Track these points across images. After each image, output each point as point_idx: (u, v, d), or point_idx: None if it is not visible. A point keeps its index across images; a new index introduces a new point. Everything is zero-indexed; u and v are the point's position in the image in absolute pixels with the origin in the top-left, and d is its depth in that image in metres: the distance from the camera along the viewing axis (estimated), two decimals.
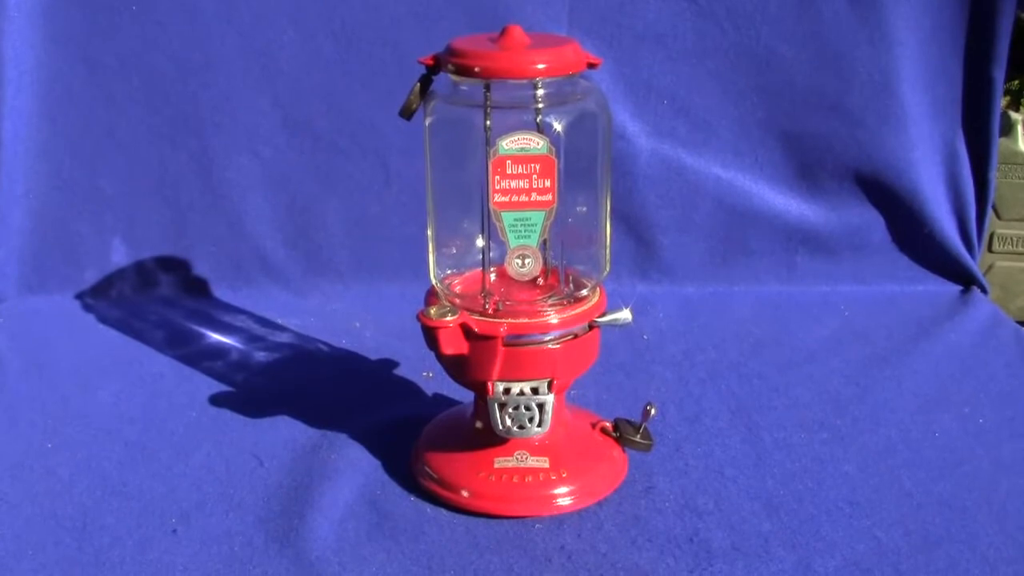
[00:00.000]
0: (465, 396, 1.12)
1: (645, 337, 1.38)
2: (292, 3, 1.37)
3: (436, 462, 1.05)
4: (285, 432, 1.15)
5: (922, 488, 1.06)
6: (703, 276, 1.51)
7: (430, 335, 0.97)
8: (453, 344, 0.98)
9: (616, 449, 1.08)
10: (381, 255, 1.48)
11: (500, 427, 0.99)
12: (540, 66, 0.94)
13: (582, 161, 0.99)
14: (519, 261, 0.97)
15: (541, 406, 0.98)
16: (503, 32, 0.96)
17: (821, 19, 1.40)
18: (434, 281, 1.03)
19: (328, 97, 1.41)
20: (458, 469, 1.03)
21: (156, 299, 1.47)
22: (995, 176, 1.51)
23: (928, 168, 1.48)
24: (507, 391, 0.98)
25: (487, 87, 0.95)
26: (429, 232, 1.03)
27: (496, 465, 1.02)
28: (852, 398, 1.23)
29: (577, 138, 0.97)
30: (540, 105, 0.96)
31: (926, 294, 1.51)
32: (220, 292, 1.48)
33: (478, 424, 1.04)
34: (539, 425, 0.99)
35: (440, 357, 1.00)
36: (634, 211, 1.48)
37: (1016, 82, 1.64)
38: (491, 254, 1.00)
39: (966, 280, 1.52)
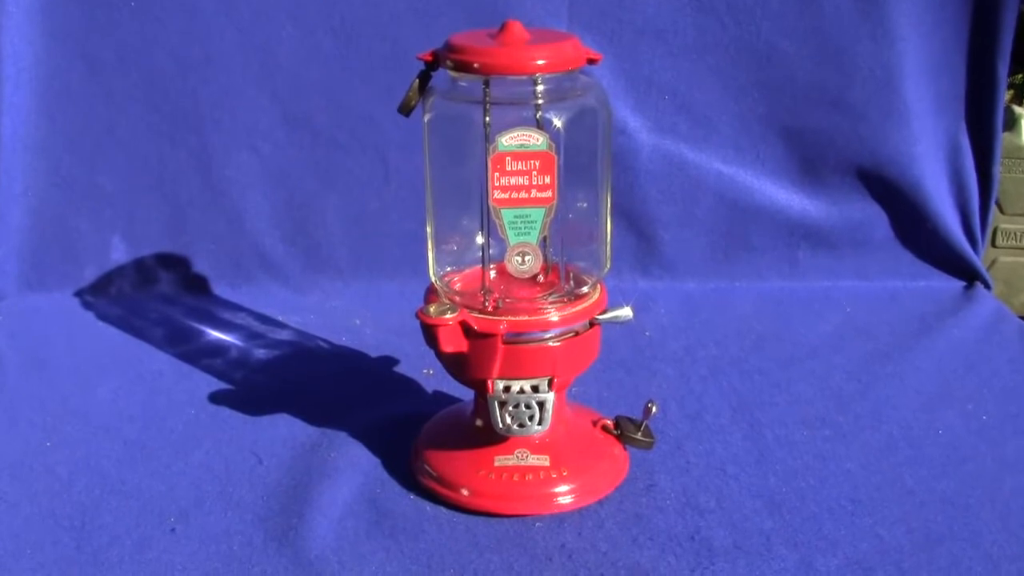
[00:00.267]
0: (465, 394, 1.12)
1: (647, 334, 1.38)
2: None
3: (436, 460, 1.04)
4: (284, 430, 1.15)
5: (924, 486, 1.05)
6: (705, 272, 1.51)
7: (429, 333, 0.97)
8: (452, 342, 0.97)
9: (617, 447, 1.07)
10: (381, 252, 1.47)
11: (500, 425, 0.98)
12: (540, 62, 0.93)
13: (582, 157, 0.98)
14: (519, 258, 0.97)
15: (541, 404, 0.98)
16: (502, 28, 0.95)
17: (822, 14, 1.40)
18: (433, 279, 1.03)
19: (327, 93, 1.41)
20: (458, 467, 1.03)
21: (155, 296, 1.46)
22: (999, 171, 1.50)
23: (931, 163, 1.47)
24: (507, 389, 0.98)
25: (486, 83, 0.94)
26: (428, 229, 1.02)
27: (496, 463, 1.02)
28: (854, 395, 1.22)
29: (577, 134, 0.97)
30: (540, 101, 0.95)
31: (929, 290, 1.50)
32: (219, 289, 1.47)
33: (478, 422, 1.04)
34: (539, 423, 0.98)
35: (440, 355, 1.00)
36: (635, 207, 1.48)
37: (1020, 76, 1.63)
38: (491, 251, 1.00)
39: (969, 276, 1.51)
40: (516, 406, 0.98)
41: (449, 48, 0.95)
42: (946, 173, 1.49)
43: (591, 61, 0.97)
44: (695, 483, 1.05)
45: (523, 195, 0.94)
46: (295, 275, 1.48)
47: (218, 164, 1.43)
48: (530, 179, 0.94)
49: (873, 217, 1.50)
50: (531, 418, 0.98)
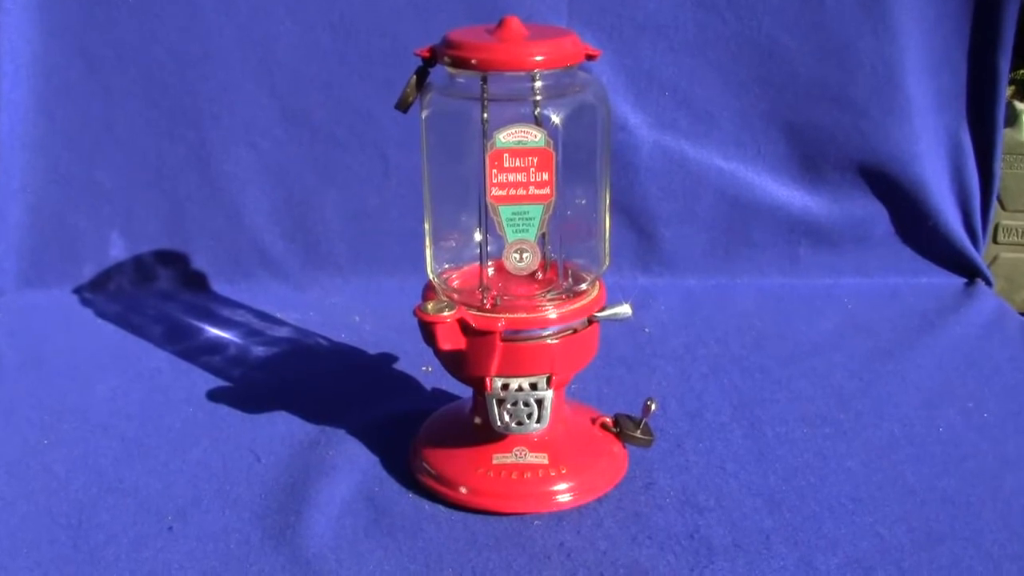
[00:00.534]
0: (464, 391, 1.11)
1: (646, 330, 1.37)
2: None
3: (434, 458, 1.04)
4: (283, 428, 1.14)
5: (925, 484, 1.04)
6: (705, 269, 1.50)
7: (427, 331, 0.96)
8: (450, 340, 0.97)
9: (616, 445, 1.07)
10: (380, 248, 1.47)
11: (498, 423, 0.98)
12: (538, 58, 0.92)
13: (581, 154, 0.98)
14: (517, 255, 0.96)
15: (540, 402, 0.97)
16: (500, 23, 0.95)
17: (824, 9, 1.39)
18: (431, 276, 1.02)
19: (326, 89, 1.40)
20: (456, 465, 1.02)
21: (154, 293, 1.46)
22: (1000, 167, 1.49)
23: (932, 159, 1.47)
24: (505, 387, 0.97)
25: (484, 79, 0.93)
26: (426, 226, 1.02)
27: (495, 461, 1.01)
28: (855, 392, 1.22)
29: (576, 131, 0.96)
30: (538, 97, 0.95)
31: (930, 286, 1.50)
32: (218, 286, 1.47)
33: (476, 420, 1.03)
34: (538, 421, 0.97)
35: (438, 353, 0.99)
36: (636, 203, 1.47)
37: (1021, 72, 1.62)
38: (489, 248, 0.99)
39: (970, 272, 1.51)
40: (514, 404, 0.97)
41: (447, 44, 0.95)
42: (947, 169, 1.49)
43: (590, 57, 0.96)
44: (695, 481, 1.05)
45: (521, 192, 0.94)
46: (294, 272, 1.47)
47: (217, 160, 1.43)
48: (528, 176, 0.93)
49: (874, 214, 1.49)
50: (529, 416, 0.97)
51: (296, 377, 1.26)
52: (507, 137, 0.92)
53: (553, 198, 0.94)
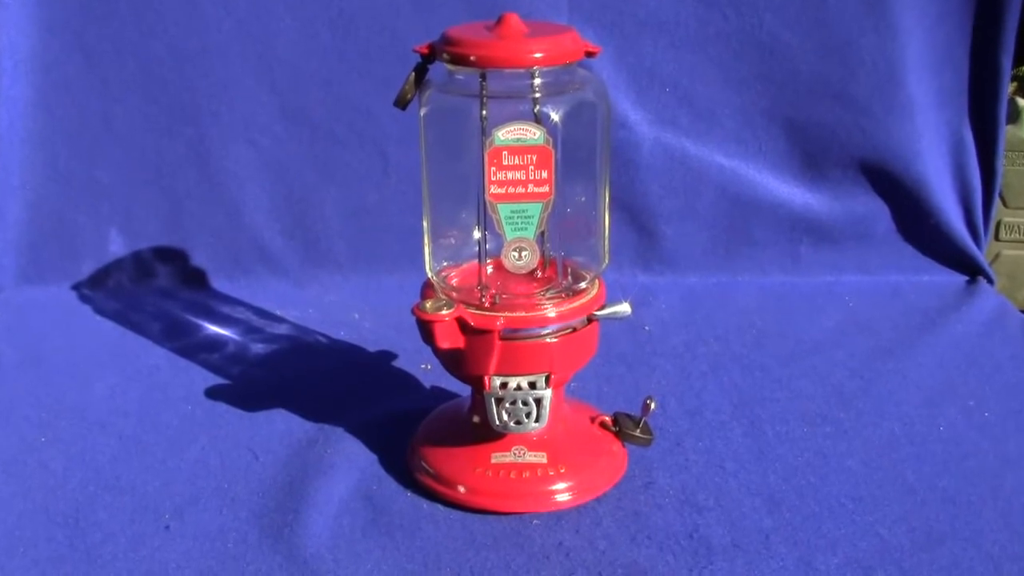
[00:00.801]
0: (463, 389, 1.10)
1: (647, 328, 1.37)
2: None
3: (433, 457, 1.03)
4: (281, 426, 1.14)
5: (926, 483, 1.04)
6: (706, 266, 1.50)
7: (425, 329, 0.96)
8: (449, 338, 0.96)
9: (615, 444, 1.06)
10: (380, 245, 1.46)
11: (497, 422, 0.97)
12: (537, 55, 0.92)
13: (581, 151, 0.97)
14: (516, 254, 0.96)
15: (539, 401, 0.97)
16: (499, 20, 0.94)
17: (825, 6, 1.39)
18: (430, 274, 1.02)
19: (326, 85, 1.40)
20: (455, 464, 1.02)
21: (153, 290, 1.46)
22: (1002, 165, 1.49)
23: (934, 157, 1.46)
24: (504, 386, 0.97)
25: (483, 76, 0.93)
26: (425, 224, 1.01)
27: (493, 460, 1.01)
28: (856, 391, 1.21)
29: (575, 128, 0.95)
30: (537, 95, 0.94)
31: (931, 284, 1.49)
32: (218, 283, 1.47)
33: (475, 419, 1.03)
34: (536, 420, 0.97)
35: (436, 351, 0.99)
36: (636, 200, 1.47)
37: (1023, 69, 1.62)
38: (488, 246, 0.98)
39: (972, 271, 1.50)
40: (513, 403, 0.97)
41: (445, 41, 0.94)
42: (949, 167, 1.48)
43: (589, 54, 0.96)
44: (694, 480, 1.04)
45: (520, 190, 0.93)
46: (294, 269, 1.47)
47: (216, 157, 1.42)
48: (527, 174, 0.93)
49: (875, 211, 1.49)
50: (528, 415, 0.97)
51: (295, 375, 1.25)
52: (506, 135, 0.92)
53: (552, 196, 0.94)
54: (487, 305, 0.97)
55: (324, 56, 1.38)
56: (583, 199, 1.01)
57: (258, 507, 1.00)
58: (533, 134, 0.92)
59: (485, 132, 0.93)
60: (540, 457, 1.01)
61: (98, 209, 1.44)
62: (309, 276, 1.47)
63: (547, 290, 0.99)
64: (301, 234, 1.46)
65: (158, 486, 1.04)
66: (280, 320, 1.38)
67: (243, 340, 1.33)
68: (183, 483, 1.04)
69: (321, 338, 1.34)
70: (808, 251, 1.50)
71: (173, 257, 1.46)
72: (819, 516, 0.99)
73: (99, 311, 1.40)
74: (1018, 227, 1.56)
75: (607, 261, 1.02)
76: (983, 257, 1.50)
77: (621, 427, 1.05)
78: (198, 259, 1.46)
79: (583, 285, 1.00)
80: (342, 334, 1.35)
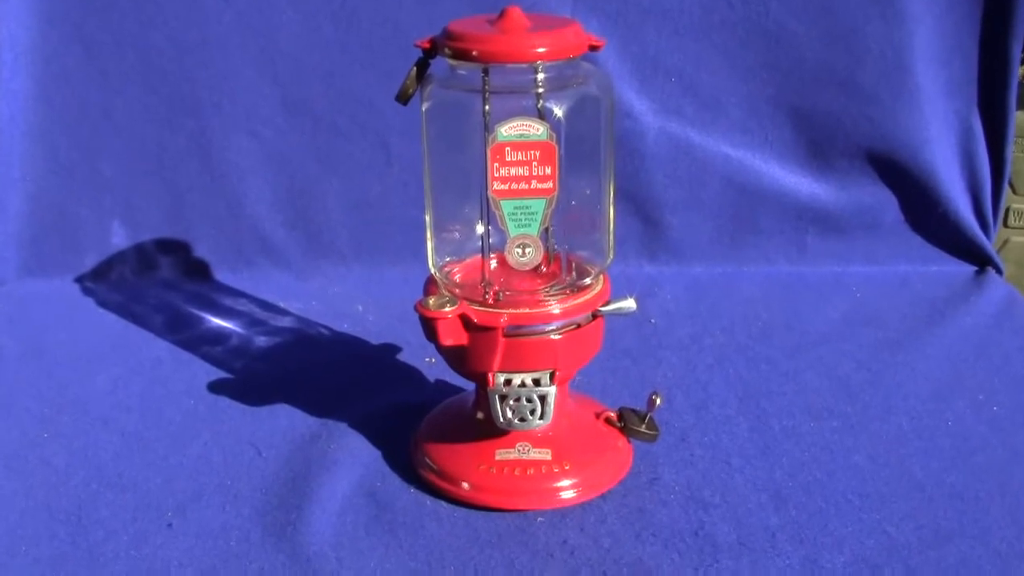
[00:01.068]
0: (467, 383, 1.10)
1: (652, 321, 1.36)
2: None
3: (436, 453, 1.03)
4: (284, 421, 1.13)
5: (934, 479, 1.03)
6: (711, 256, 1.49)
7: (428, 326, 0.95)
8: (452, 335, 0.95)
9: (621, 439, 1.05)
10: (383, 237, 1.45)
11: (501, 419, 0.96)
12: (540, 49, 0.91)
13: (585, 146, 0.96)
14: (519, 250, 0.95)
15: (543, 398, 0.96)
16: (502, 14, 0.93)
17: None
18: (433, 270, 1.01)
19: (328, 77, 1.39)
20: (459, 461, 1.01)
21: (156, 282, 1.45)
22: (1011, 154, 1.47)
23: (943, 146, 1.45)
24: (508, 382, 0.96)
25: (485, 71, 0.92)
26: (427, 220, 1.00)
27: (497, 457, 1.00)
28: (863, 384, 1.20)
29: (579, 123, 0.94)
30: (540, 90, 0.93)
31: (940, 275, 1.48)
32: (220, 275, 1.46)
33: (479, 415, 1.02)
34: (541, 417, 0.96)
35: (439, 348, 0.98)
36: (641, 191, 1.45)
37: None
38: (491, 240, 0.98)
39: (981, 261, 1.49)
40: (517, 400, 0.96)
41: (447, 35, 0.93)
42: (958, 156, 1.47)
43: (593, 48, 0.95)
44: (700, 476, 1.04)
45: (523, 186, 0.92)
46: (296, 260, 1.46)
47: (218, 148, 1.41)
48: (530, 170, 0.92)
49: (883, 201, 1.47)
50: (532, 412, 0.96)
51: (298, 368, 1.25)
52: (509, 130, 0.90)
53: (556, 193, 0.93)
54: (491, 302, 0.96)
55: (326, 47, 1.37)
56: (588, 191, 0.99)
57: (261, 504, 1.00)
58: (536, 130, 0.91)
59: (488, 128, 0.92)
60: (544, 454, 1.00)
61: (100, 201, 1.43)
62: (312, 268, 1.46)
63: (551, 286, 0.98)
64: (304, 226, 1.45)
65: (160, 483, 1.03)
66: (283, 312, 1.38)
67: (246, 333, 1.33)
68: (185, 480, 1.04)
69: (324, 330, 1.34)
70: (815, 241, 1.49)
71: (175, 249, 1.45)
72: (825, 513, 0.98)
73: (101, 303, 1.40)
74: None
75: (612, 256, 1.01)
76: (992, 247, 1.49)
77: (626, 423, 1.05)
78: (200, 251, 1.46)
79: (588, 281, 0.99)
80: (345, 326, 1.34)
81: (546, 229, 0.97)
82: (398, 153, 1.42)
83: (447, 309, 0.94)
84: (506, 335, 0.95)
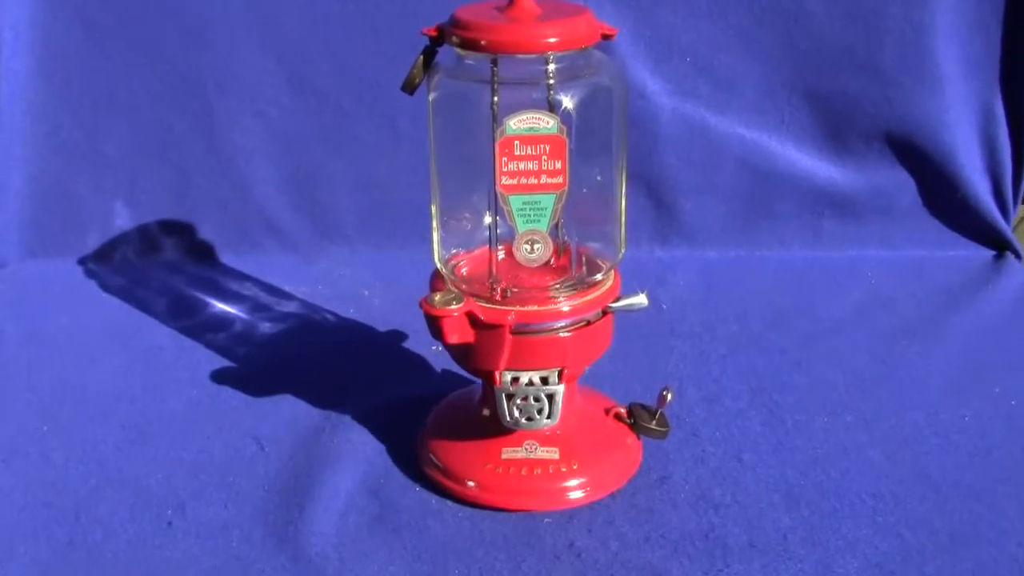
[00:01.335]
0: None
1: (664, 307, 1.33)
2: None
3: (442, 450, 1.01)
4: (287, 412, 1.11)
5: (950, 478, 1.01)
6: (725, 240, 1.46)
7: (434, 324, 0.93)
8: (458, 333, 0.93)
9: (630, 436, 1.03)
10: (390, 219, 1.43)
11: (508, 419, 0.94)
12: (551, 40, 0.88)
13: (596, 138, 0.93)
14: (528, 246, 0.92)
15: (551, 397, 0.94)
16: (511, 1, 0.90)
17: None
18: (438, 264, 0.98)
19: (334, 56, 1.36)
20: (464, 459, 0.99)
21: (160, 264, 1.43)
22: None
23: (963, 129, 1.42)
24: (515, 381, 0.94)
25: (494, 62, 0.89)
26: (433, 211, 0.97)
27: (504, 456, 0.98)
28: (878, 376, 1.18)
29: (591, 115, 0.91)
30: (551, 81, 0.90)
31: (957, 260, 1.45)
32: (225, 257, 1.44)
33: (485, 412, 0.99)
34: (548, 417, 0.94)
35: (445, 345, 0.96)
36: (654, 173, 1.43)
37: None
38: (499, 230, 0.95)
39: (1000, 245, 1.46)
40: (524, 399, 0.94)
41: (454, 23, 0.90)
42: (978, 139, 1.44)
43: (606, 37, 0.92)
44: (710, 474, 1.02)
45: (532, 181, 0.89)
46: (302, 243, 1.44)
47: (222, 129, 1.39)
48: (539, 164, 0.89)
49: (901, 184, 1.45)
50: (540, 411, 0.94)
51: (302, 356, 1.23)
52: (518, 124, 0.88)
53: (566, 188, 0.90)
54: (498, 298, 0.94)
55: (332, 25, 1.34)
56: (599, 185, 0.97)
57: (262, 502, 0.98)
58: (546, 123, 0.88)
59: (496, 120, 0.89)
60: (552, 453, 0.98)
61: (103, 182, 1.41)
62: (318, 250, 1.44)
63: (561, 282, 0.95)
64: (310, 208, 1.43)
65: (160, 479, 1.01)
66: (288, 297, 1.35)
67: (250, 319, 1.30)
68: (186, 476, 1.02)
69: (329, 316, 1.32)
70: (831, 225, 1.46)
71: (180, 231, 1.43)
72: (839, 514, 0.96)
73: (104, 286, 1.38)
74: None
75: (623, 251, 0.99)
76: (1011, 231, 1.46)
77: (636, 419, 1.02)
78: (205, 233, 1.43)
79: (598, 277, 0.96)
80: (351, 312, 1.32)
81: (556, 224, 0.94)
82: (407, 134, 1.39)
83: (453, 307, 0.91)
84: (514, 333, 0.93)
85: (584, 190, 0.95)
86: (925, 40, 1.36)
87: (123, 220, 1.42)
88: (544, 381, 0.94)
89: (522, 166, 0.89)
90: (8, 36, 1.32)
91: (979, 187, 1.44)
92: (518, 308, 0.93)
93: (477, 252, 1.01)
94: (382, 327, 1.28)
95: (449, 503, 0.98)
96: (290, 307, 1.34)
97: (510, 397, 0.94)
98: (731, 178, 1.43)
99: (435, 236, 0.98)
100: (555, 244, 0.95)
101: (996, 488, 0.99)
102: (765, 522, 0.95)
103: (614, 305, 0.97)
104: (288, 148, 1.40)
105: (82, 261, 1.43)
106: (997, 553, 0.91)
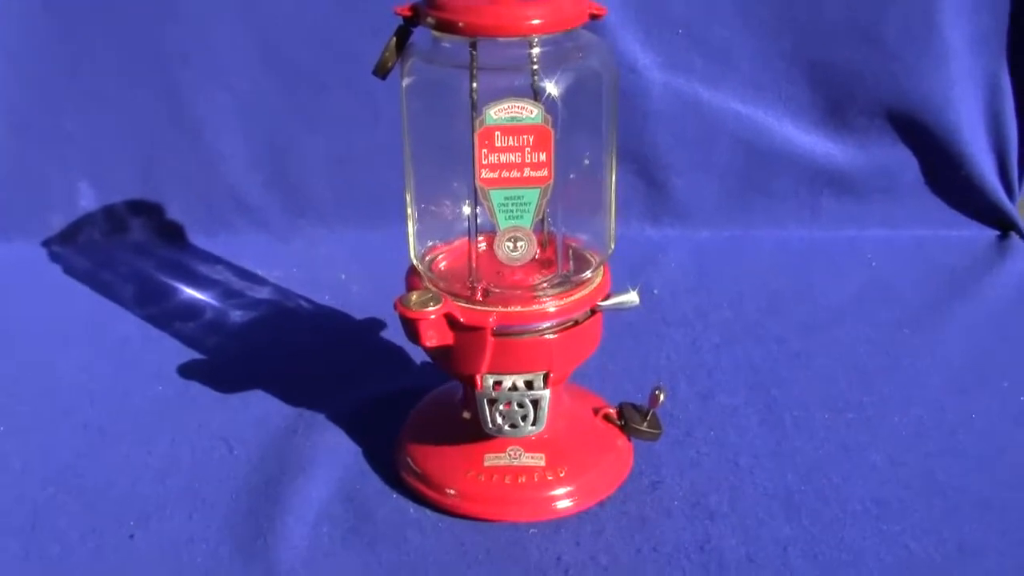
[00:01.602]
0: None
1: (655, 292, 1.27)
2: None
3: (420, 456, 0.95)
4: (258, 410, 1.05)
5: (956, 483, 0.95)
6: (719, 220, 1.41)
7: (410, 326, 0.86)
8: (436, 335, 0.87)
9: (620, 438, 0.97)
10: (368, 197, 1.37)
11: (490, 425, 0.88)
12: (535, 21, 0.81)
13: (585, 127, 0.87)
14: (510, 244, 0.86)
15: (536, 402, 0.88)
16: None
17: None
18: (414, 260, 0.92)
19: (308, 25, 1.29)
20: (444, 465, 0.93)
21: (126, 246, 1.37)
22: None
23: (968, 105, 1.36)
24: (498, 385, 0.88)
25: (473, 45, 0.82)
26: (407, 202, 0.91)
27: (486, 463, 0.92)
28: (880, 369, 1.12)
29: (578, 102, 0.85)
30: (535, 66, 0.83)
31: (960, 239, 1.40)
32: (195, 238, 1.38)
33: (465, 414, 0.93)
34: (533, 423, 0.88)
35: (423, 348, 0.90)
36: (645, 150, 1.37)
37: None
38: (479, 221, 0.88)
39: (1004, 225, 1.41)
40: (508, 404, 0.88)
41: (430, 3, 0.83)
42: (984, 115, 1.38)
43: (594, 16, 0.85)
44: (705, 479, 0.96)
45: (515, 174, 0.83)
46: (276, 222, 1.38)
47: (190, 104, 1.33)
48: (522, 156, 0.82)
49: (903, 162, 1.39)
50: (524, 418, 0.88)
51: (274, 348, 1.17)
52: (499, 113, 0.81)
53: (551, 181, 0.84)
54: (479, 298, 0.87)
55: None
56: (587, 175, 0.90)
57: (231, 512, 0.92)
58: (530, 112, 0.81)
59: (475, 109, 0.82)
60: (538, 459, 0.92)
61: (66, 160, 1.34)
62: (292, 230, 1.38)
63: (546, 280, 0.89)
64: (283, 185, 1.37)
65: (124, 486, 0.95)
66: (261, 282, 1.29)
67: (221, 306, 1.24)
68: (150, 483, 0.96)
69: (304, 303, 1.25)
70: (829, 203, 1.41)
71: (147, 211, 1.37)
72: (841, 523, 0.91)
73: (68, 270, 1.32)
74: None
75: (613, 246, 0.93)
76: (1016, 211, 1.41)
77: (627, 421, 0.97)
78: (173, 213, 1.37)
79: (588, 274, 0.90)
80: (327, 298, 1.26)
81: (540, 220, 0.87)
82: (385, 107, 1.32)
83: (430, 308, 0.85)
84: (496, 335, 0.87)
85: (571, 175, 0.88)
86: (931, 12, 1.31)
87: (88, 200, 1.36)
88: (529, 385, 0.88)
89: (503, 158, 0.83)
90: None
91: (984, 165, 1.39)
92: (500, 309, 0.87)
93: (456, 244, 0.95)
94: (359, 315, 1.22)
95: (428, 512, 0.92)
96: (263, 293, 1.27)
97: (492, 402, 0.88)
98: (725, 155, 1.38)
99: (410, 229, 0.92)
100: (540, 236, 0.89)
101: (1007, 495, 0.94)
102: (764, 532, 0.90)
103: (603, 304, 0.91)
104: (259, 122, 1.34)
105: (46, 243, 1.36)
106: (1009, 563, 0.86)
